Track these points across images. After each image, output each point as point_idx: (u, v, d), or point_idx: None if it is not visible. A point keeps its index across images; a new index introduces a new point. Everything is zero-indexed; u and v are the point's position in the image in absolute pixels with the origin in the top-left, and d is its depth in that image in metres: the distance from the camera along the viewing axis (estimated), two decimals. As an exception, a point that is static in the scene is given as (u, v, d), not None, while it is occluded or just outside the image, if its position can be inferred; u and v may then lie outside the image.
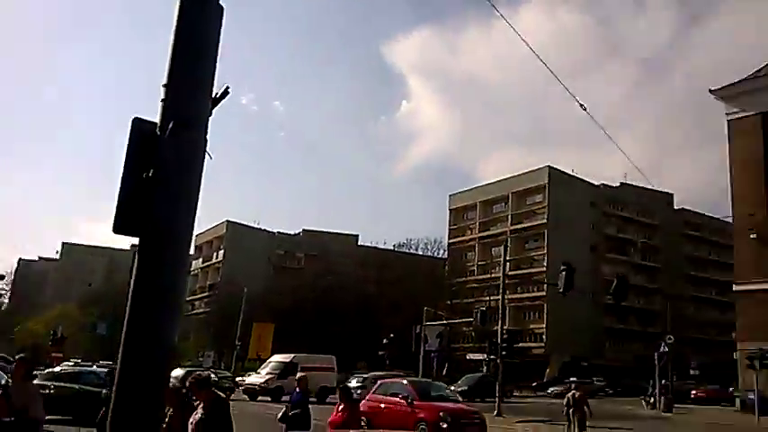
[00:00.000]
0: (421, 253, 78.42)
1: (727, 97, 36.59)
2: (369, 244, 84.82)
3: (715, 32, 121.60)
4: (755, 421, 25.66)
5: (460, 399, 16.53)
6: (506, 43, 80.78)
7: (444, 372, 43.67)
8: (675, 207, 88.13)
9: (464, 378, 34.39)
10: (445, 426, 14.27)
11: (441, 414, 14.44)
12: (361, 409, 16.92)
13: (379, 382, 20.04)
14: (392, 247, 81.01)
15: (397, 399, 15.73)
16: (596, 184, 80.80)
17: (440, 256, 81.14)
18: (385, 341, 50.10)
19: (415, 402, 15.23)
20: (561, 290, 24.30)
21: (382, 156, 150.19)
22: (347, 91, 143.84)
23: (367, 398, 18.01)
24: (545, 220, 74.98)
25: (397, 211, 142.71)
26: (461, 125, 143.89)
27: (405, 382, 18.12)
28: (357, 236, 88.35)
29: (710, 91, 37.12)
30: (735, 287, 35.48)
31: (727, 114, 36.43)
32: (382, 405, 16.13)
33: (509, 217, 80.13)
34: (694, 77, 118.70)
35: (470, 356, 60.24)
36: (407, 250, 78.72)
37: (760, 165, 33.98)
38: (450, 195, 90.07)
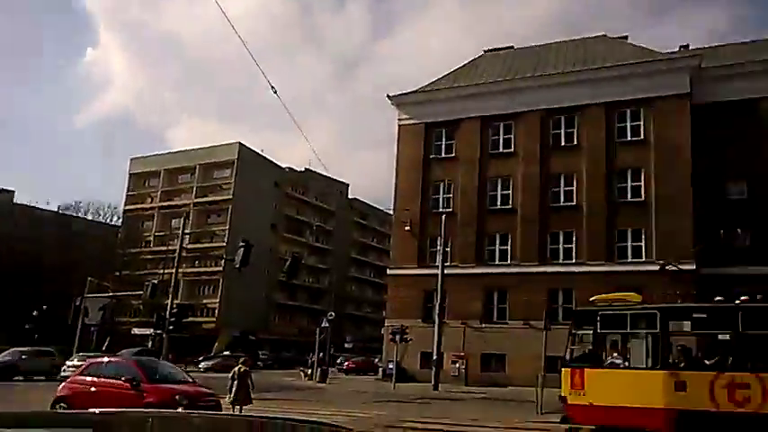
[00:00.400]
0: (90, 218, 71.35)
1: (400, 104, 40.55)
2: (27, 203, 73.55)
3: (403, 42, 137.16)
4: (392, 387, 29.76)
5: (191, 379, 15.24)
6: (213, 9, 78.33)
7: (105, 347, 40.66)
8: (350, 197, 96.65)
9: (121, 353, 32.25)
10: (181, 410, 12.85)
11: (177, 397, 12.87)
12: (62, 393, 14.57)
13: (88, 361, 17.52)
14: (56, 209, 71.74)
15: (118, 381, 13.79)
16: (283, 166, 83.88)
17: (113, 223, 75.07)
18: (35, 313, 44.70)
19: (142, 385, 13.48)
20: (237, 265, 24.76)
21: (56, 104, 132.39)
22: (19, 22, 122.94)
23: (70, 380, 15.64)
24: (230, 196, 75.14)
25: (67, 170, 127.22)
26: (153, 86, 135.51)
27: (129, 361, 16.21)
28: (13, 192, 75.80)
29: (388, 96, 40.82)
30: (389, 271, 40.23)
31: (399, 120, 40.53)
32: (93, 388, 14.01)
33: (194, 189, 78.27)
34: (381, 80, 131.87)
35: (136, 331, 57.35)
36: (75, 214, 70.70)
37: (419, 168, 38.98)
38: (131, 159, 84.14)
